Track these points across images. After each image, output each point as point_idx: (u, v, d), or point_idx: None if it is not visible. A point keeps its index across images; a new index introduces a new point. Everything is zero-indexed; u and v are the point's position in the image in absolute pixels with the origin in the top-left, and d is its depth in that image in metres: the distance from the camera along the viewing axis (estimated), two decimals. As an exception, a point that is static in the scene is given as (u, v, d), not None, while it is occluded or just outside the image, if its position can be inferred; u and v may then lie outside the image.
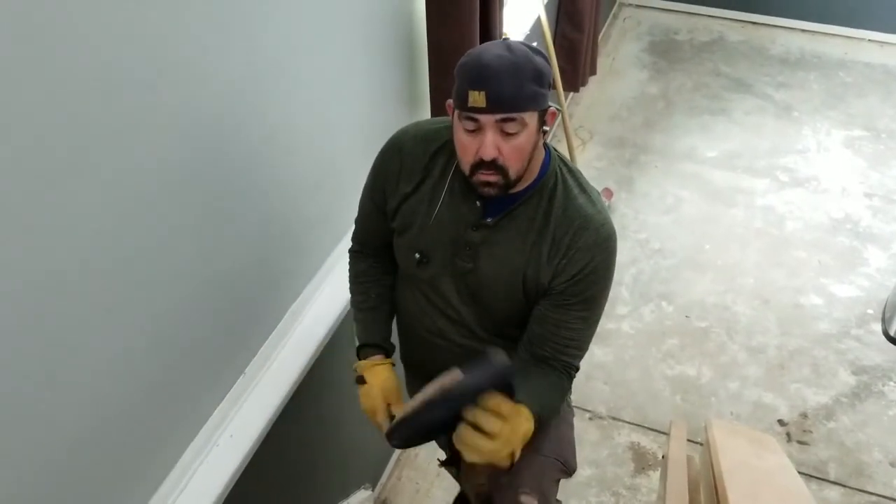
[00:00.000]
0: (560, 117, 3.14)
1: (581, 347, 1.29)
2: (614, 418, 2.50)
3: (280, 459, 1.58)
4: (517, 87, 1.07)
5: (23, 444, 0.97)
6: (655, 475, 2.32)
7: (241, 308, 1.40)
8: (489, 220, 1.24)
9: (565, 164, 1.27)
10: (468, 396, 1.03)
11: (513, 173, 1.14)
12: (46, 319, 0.95)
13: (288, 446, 1.60)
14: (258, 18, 1.23)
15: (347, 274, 1.48)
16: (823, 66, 4.23)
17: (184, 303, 1.22)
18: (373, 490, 2.14)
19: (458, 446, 1.06)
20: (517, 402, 1.10)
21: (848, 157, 3.59)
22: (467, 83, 1.08)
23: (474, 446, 1.05)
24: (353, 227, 1.47)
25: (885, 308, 2.82)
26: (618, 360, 2.68)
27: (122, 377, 1.11)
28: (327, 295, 1.65)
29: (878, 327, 2.78)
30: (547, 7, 2.90)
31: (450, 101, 1.16)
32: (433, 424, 1.11)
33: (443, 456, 1.61)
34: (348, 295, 1.48)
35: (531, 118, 1.11)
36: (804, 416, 2.50)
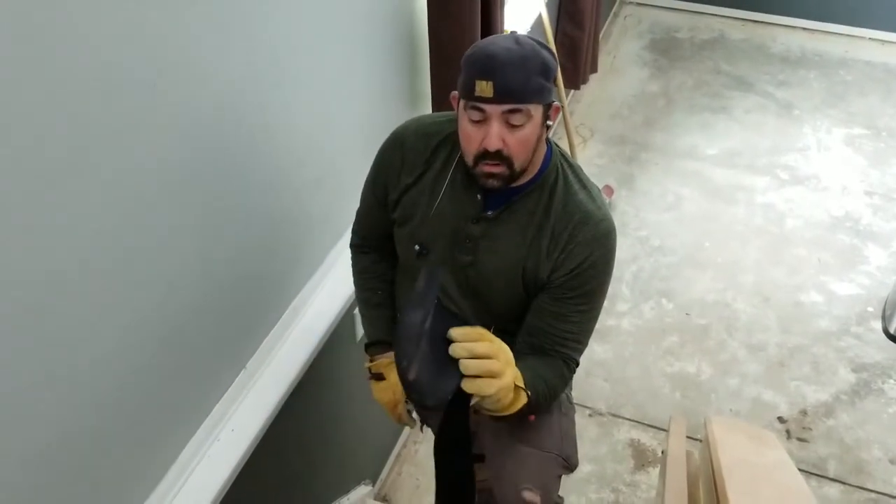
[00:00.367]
0: (561, 114, 3.14)
1: (580, 341, 1.29)
2: (614, 415, 2.51)
3: (281, 455, 1.59)
4: (524, 79, 1.08)
5: (23, 441, 0.98)
6: (655, 471, 2.33)
7: (242, 305, 1.40)
8: (490, 213, 1.24)
9: (566, 159, 1.28)
10: (432, 289, 1.08)
11: (517, 165, 1.14)
12: (46, 319, 0.96)
13: (288, 441, 1.61)
14: (258, 18, 1.23)
15: (350, 269, 1.49)
16: (824, 64, 4.22)
17: (184, 302, 1.22)
18: (373, 486, 2.15)
19: (467, 384, 1.04)
20: None
21: (848, 156, 3.59)
22: (475, 73, 1.08)
23: (479, 368, 1.04)
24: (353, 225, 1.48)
25: (885, 306, 2.82)
26: (618, 357, 2.68)
27: (122, 377, 1.12)
28: (328, 291, 1.66)
29: (877, 325, 2.78)
30: (548, 5, 2.90)
31: (454, 94, 1.17)
32: (420, 330, 1.06)
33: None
34: (349, 291, 1.49)
35: (536, 111, 1.11)
36: (804, 413, 2.50)
